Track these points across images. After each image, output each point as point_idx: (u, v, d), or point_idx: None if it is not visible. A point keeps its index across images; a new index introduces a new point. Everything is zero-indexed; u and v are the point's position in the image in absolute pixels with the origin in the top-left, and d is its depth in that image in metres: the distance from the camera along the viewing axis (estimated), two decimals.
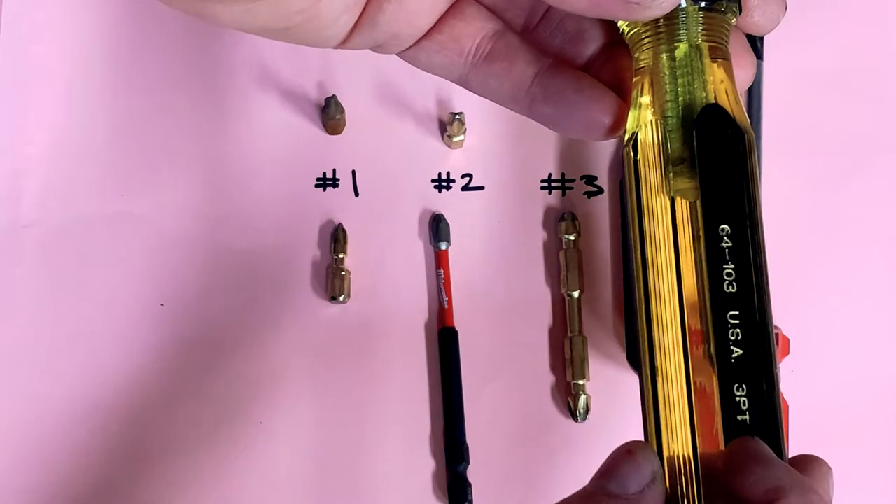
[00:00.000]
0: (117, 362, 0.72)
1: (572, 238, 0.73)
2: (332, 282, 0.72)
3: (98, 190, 0.74)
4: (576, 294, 0.72)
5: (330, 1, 0.41)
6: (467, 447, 0.70)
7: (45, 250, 0.73)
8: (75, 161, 0.74)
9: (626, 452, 0.40)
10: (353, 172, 0.75)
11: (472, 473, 0.70)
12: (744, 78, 0.44)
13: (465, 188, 0.75)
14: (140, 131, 0.75)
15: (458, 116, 0.72)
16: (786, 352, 0.69)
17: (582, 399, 0.70)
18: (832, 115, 0.76)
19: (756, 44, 0.75)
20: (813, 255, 0.74)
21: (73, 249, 0.73)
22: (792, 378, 0.69)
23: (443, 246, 0.73)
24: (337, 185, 0.75)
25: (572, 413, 0.71)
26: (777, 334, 0.68)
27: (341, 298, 0.72)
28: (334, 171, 0.75)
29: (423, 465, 0.71)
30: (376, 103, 0.76)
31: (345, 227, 0.74)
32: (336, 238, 0.73)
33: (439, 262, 0.73)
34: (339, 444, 0.71)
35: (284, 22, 0.41)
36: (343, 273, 0.72)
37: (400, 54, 0.47)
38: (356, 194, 0.75)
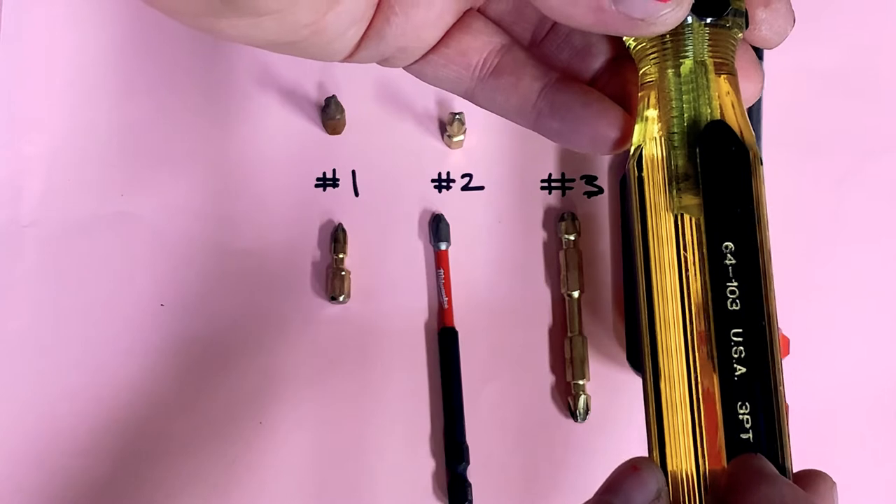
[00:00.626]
0: (117, 362, 0.72)
1: (572, 238, 0.73)
2: (332, 282, 0.72)
3: (98, 190, 0.74)
4: (576, 294, 0.72)
5: (336, 15, 0.41)
6: (467, 447, 0.70)
7: (45, 250, 0.73)
8: (76, 161, 0.74)
9: (632, 468, 0.40)
10: (353, 172, 0.75)
11: (472, 473, 0.70)
12: (752, 91, 0.44)
13: (465, 188, 0.75)
14: (140, 131, 0.75)
15: (458, 116, 0.72)
16: (786, 352, 0.69)
17: (582, 399, 0.70)
18: (833, 114, 0.76)
19: None
20: (813, 255, 0.74)
21: (73, 249, 0.73)
22: (792, 378, 0.69)
23: (443, 246, 0.73)
24: (337, 185, 0.75)
25: (572, 413, 0.71)
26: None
27: (341, 298, 0.72)
28: (334, 171, 0.75)
29: (423, 465, 0.71)
30: (376, 103, 0.76)
31: (345, 227, 0.74)
32: (336, 238, 0.73)
33: (439, 262, 0.73)
34: (340, 443, 0.71)
35: (291, 36, 0.41)
36: (343, 273, 0.72)
37: (406, 68, 0.47)
38: (356, 194, 0.75)
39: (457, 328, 0.72)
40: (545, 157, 0.75)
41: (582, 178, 0.75)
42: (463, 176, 0.75)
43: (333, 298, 0.72)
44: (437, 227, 0.74)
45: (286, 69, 0.76)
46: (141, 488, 0.70)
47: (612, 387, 0.72)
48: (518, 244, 0.74)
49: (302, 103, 0.76)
